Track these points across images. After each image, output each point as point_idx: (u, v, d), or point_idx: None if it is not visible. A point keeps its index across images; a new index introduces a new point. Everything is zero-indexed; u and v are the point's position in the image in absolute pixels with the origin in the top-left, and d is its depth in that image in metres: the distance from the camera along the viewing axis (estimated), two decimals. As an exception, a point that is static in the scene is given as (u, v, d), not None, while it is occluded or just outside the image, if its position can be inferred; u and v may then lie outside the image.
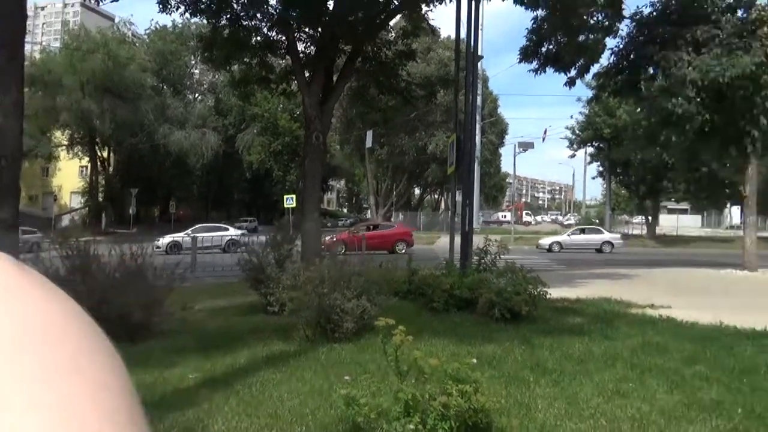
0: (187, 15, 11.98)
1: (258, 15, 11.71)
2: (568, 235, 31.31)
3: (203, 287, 13.10)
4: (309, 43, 12.51)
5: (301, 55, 12.38)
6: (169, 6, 11.20)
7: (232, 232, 27.69)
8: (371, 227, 27.67)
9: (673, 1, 16.96)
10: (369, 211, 66.16)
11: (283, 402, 4.63)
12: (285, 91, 13.95)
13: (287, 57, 12.62)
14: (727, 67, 14.58)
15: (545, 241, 30.33)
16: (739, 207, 21.12)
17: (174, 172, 48.96)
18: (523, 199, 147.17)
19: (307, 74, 11.81)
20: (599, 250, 29.24)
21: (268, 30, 12.06)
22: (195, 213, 53.54)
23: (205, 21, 12.71)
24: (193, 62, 53.78)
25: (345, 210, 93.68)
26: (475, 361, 3.82)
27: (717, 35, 15.53)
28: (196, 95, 59.38)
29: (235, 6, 11.56)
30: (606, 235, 31.50)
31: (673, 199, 53.27)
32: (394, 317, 7.05)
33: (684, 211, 61.89)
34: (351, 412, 3.52)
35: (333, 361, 5.90)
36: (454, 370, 3.61)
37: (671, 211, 60.36)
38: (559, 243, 30.03)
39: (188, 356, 6.24)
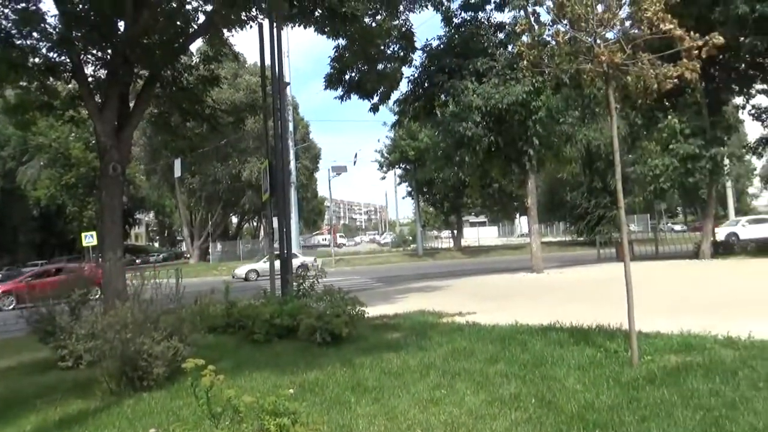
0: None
1: (34, 34, 10.40)
2: (264, 262, 29.64)
3: (-22, 348, 11.12)
4: (99, 66, 11.45)
5: (91, 78, 11.26)
6: None
7: None
8: (53, 271, 21.67)
9: (456, 36, 18.98)
10: (184, 244, 62.42)
11: (80, 470, 4.07)
12: (73, 119, 12.54)
13: (73, 81, 11.40)
14: (503, 95, 16.70)
15: (241, 270, 29.01)
16: (526, 217, 24.19)
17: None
18: (342, 222, 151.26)
19: (98, 99, 10.77)
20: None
21: (49, 51, 10.76)
22: (-33, 261, 45.59)
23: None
24: (-44, 85, 46.09)
25: (156, 244, 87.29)
26: (292, 391, 3.75)
27: (494, 67, 17.73)
28: (-38, 124, 50.86)
29: (4, 23, 10.13)
30: (300, 259, 30.60)
31: (473, 213, 59.07)
32: (212, 354, 6.69)
33: (483, 224, 68.92)
34: (159, 468, 3.21)
35: (141, 413, 5.35)
36: (271, 404, 3.48)
37: (473, 224, 66.81)
38: (256, 270, 29.05)
39: (-46, 435, 5.20)
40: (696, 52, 5.61)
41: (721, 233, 31.67)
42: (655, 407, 4.42)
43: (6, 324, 11.88)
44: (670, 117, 19.46)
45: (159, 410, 5.41)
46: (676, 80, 5.74)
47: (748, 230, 30.51)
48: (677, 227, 55.57)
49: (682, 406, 4.38)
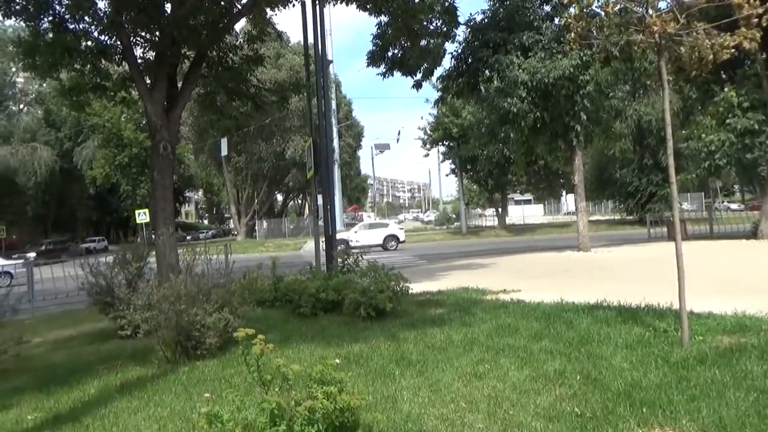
0: (-1, 17, 10.66)
1: (86, 18, 10.73)
2: None
3: (44, 317, 11.85)
4: (148, 48, 11.74)
5: (140, 60, 11.56)
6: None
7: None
8: None
9: (501, 9, 18.51)
10: (231, 221, 63.99)
11: (140, 430, 4.31)
12: (125, 99, 12.95)
13: (124, 63, 11.74)
14: (550, 69, 16.25)
15: None
16: (572, 195, 23.56)
17: (1, 193, 43.51)
18: (385, 199, 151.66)
19: (148, 81, 11.07)
20: None
21: (100, 34, 11.09)
22: (32, 237, 48.07)
23: (23, 24, 11.38)
24: (14, 70, 48.14)
25: (206, 221, 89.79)
26: (338, 361, 3.84)
27: (540, 40, 17.25)
28: (21, 106, 53.20)
29: (57, 8, 10.49)
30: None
31: (518, 191, 58.17)
32: (261, 326, 6.91)
33: (528, 202, 67.78)
34: (214, 431, 3.37)
35: (196, 380, 5.61)
36: (318, 373, 3.60)
37: (518, 203, 65.80)
38: None
39: (26, 396, 5.60)
40: (756, 20, 5.34)
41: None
42: (706, 387, 4.33)
43: (68, 296, 12.54)
44: (727, 90, 18.55)
45: (212, 377, 5.66)
46: (733, 50, 5.47)
47: (360, 235, 30.65)
48: (734, 206, 53.23)
49: (734, 387, 4.28)
